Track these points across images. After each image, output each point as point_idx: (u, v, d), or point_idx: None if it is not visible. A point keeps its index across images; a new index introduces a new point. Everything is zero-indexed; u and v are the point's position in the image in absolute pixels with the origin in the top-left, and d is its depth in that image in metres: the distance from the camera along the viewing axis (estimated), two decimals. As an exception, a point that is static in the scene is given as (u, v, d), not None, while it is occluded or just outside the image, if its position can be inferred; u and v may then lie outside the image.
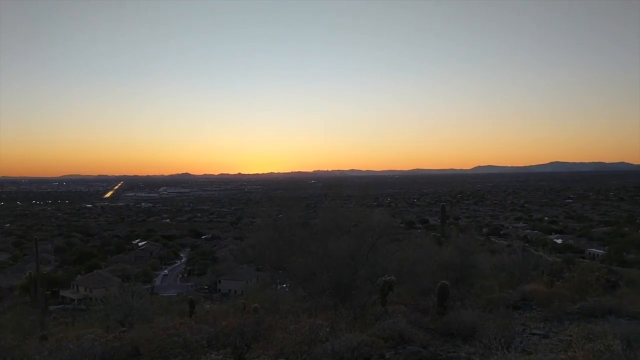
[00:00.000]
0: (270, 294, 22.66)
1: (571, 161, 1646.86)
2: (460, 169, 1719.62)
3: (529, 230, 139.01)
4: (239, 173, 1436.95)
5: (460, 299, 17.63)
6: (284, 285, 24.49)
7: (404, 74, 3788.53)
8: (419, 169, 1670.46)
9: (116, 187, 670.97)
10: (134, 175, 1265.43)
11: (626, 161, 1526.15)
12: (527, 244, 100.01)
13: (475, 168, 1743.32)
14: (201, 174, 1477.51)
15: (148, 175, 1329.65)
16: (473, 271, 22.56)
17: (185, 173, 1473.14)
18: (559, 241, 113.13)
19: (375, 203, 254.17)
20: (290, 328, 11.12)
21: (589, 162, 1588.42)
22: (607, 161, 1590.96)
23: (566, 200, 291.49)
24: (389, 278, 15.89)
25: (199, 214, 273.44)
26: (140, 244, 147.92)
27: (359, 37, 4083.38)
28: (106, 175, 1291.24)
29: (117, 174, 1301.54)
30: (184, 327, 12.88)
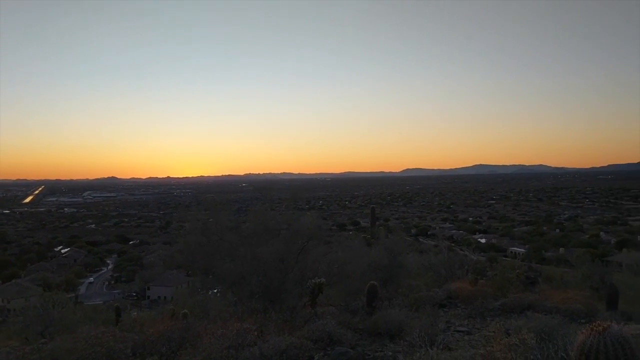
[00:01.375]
0: (200, 299, 22.24)
1: (494, 164, 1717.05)
2: (390, 172, 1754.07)
3: (454, 231, 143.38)
4: (168, 176, 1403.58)
5: (388, 299, 17.96)
6: (215, 290, 24.10)
7: (335, 76, 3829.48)
8: (350, 172, 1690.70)
9: (36, 192, 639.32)
10: (57, 180, 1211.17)
11: (545, 164, 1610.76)
12: (453, 244, 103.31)
13: (404, 171, 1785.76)
14: (129, 177, 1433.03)
15: (71, 179, 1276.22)
16: (401, 271, 23.07)
17: (112, 177, 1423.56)
18: (483, 241, 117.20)
19: (307, 206, 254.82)
20: (217, 333, 10.95)
21: (510, 165, 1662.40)
22: (527, 164, 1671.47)
23: (489, 201, 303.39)
24: (318, 280, 15.97)
25: (126, 219, 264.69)
26: (63, 250, 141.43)
27: (288, 37, 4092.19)
28: (26, 179, 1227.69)
29: (37, 178, 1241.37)
30: (108, 336, 12.41)
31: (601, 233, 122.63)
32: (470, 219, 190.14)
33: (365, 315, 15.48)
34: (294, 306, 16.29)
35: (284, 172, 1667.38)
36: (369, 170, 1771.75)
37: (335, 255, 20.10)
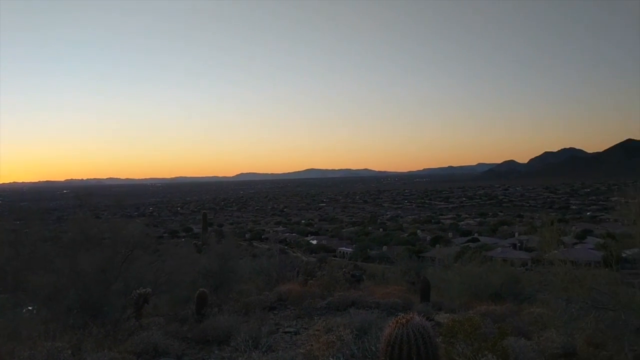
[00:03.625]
0: (9, 318, 20.00)
1: (324, 168, 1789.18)
2: (224, 177, 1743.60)
3: (288, 234, 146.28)
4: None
5: (218, 305, 17.73)
6: (30, 307, 21.87)
7: (167, 78, 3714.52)
8: (182, 177, 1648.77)
9: None
10: None
11: (369, 168, 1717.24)
12: (286, 247, 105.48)
13: (238, 175, 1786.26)
14: None
15: None
16: (232, 276, 22.92)
17: None
18: (314, 242, 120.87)
19: (136, 213, 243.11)
20: (24, 355, 9.90)
21: (339, 169, 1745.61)
22: (354, 168, 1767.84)
23: (320, 204, 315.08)
24: (143, 290, 15.25)
25: None
26: None
27: (110, 34, 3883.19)
28: None
29: None
30: None
31: (418, 231, 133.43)
32: (303, 221, 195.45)
33: (195, 323, 15.11)
34: (117, 319, 15.35)
35: (110, 178, 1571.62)
36: (202, 175, 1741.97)
37: (164, 264, 19.37)
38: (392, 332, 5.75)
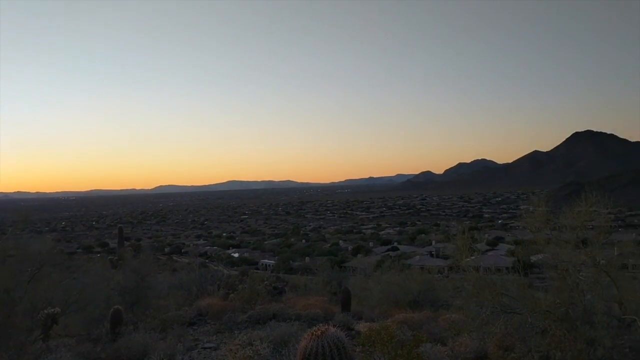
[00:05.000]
0: None
1: (246, 180, 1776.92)
2: (142, 189, 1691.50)
3: (209, 247, 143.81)
4: None
5: (134, 323, 17.07)
6: None
7: (80, 88, 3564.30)
8: (97, 190, 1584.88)
9: None
10: None
11: (292, 179, 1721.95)
12: (206, 260, 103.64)
13: (157, 188, 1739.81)
14: None
15: None
16: (149, 292, 22.18)
17: None
18: (236, 255, 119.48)
19: (47, 228, 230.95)
20: None
21: (261, 181, 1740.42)
22: (276, 179, 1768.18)
23: (242, 216, 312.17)
24: (52, 310, 14.44)
25: None
26: None
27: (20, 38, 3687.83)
28: None
29: None
30: None
31: (340, 241, 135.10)
32: (224, 234, 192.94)
33: (108, 343, 14.47)
34: (23, 342, 14.43)
35: (17, 192, 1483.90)
36: (118, 188, 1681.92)
37: (75, 281, 18.46)
38: (307, 345, 5.75)
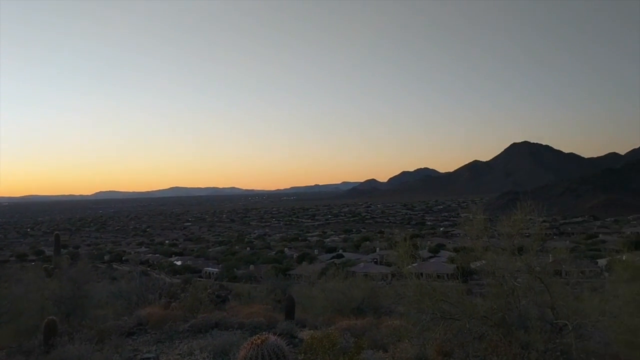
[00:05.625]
0: None
1: (189, 186, 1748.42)
2: (81, 195, 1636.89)
3: (150, 255, 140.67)
4: None
5: (69, 334, 16.47)
6: None
7: (13, 92, 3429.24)
8: (33, 195, 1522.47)
9: None
10: None
11: (236, 186, 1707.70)
12: (148, 268, 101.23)
13: (97, 194, 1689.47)
14: None
15: None
16: (87, 301, 21.47)
17: None
18: (179, 263, 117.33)
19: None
20: None
21: (205, 188, 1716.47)
22: (220, 186, 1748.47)
23: (185, 224, 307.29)
24: (-20, 322, 13.76)
25: None
26: None
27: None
28: None
29: None
30: None
31: (285, 249, 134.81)
32: (167, 241, 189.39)
33: (41, 355, 13.90)
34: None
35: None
36: (56, 194, 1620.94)
37: (6, 291, 17.68)
38: (246, 354, 5.71)
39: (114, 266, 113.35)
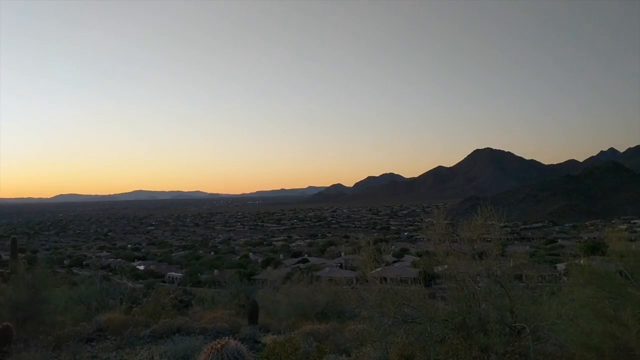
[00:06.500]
0: None
1: (153, 190, 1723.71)
2: (40, 198, 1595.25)
3: (112, 259, 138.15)
4: None
5: (25, 340, 16.03)
6: None
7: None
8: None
9: None
10: None
11: (201, 190, 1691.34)
12: (110, 273, 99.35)
13: (57, 197, 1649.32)
14: None
15: None
16: (44, 307, 20.91)
17: None
18: (142, 267, 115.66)
19: None
20: None
21: (169, 191, 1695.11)
22: (185, 190, 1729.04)
23: (148, 227, 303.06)
24: None
25: None
26: None
27: None
28: None
29: None
30: None
31: (250, 254, 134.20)
32: (129, 245, 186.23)
33: (-5, 363, 13.49)
34: None
35: None
36: (13, 196, 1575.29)
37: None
38: (206, 359, 5.66)
39: (74, 271, 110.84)
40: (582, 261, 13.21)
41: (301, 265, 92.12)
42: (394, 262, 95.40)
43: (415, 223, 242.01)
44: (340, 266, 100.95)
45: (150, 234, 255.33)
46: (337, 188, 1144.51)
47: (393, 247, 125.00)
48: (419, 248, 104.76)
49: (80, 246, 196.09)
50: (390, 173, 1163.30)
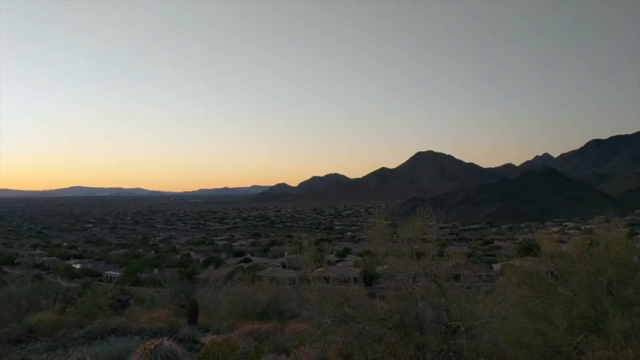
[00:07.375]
0: None
1: (91, 186, 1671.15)
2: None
3: (46, 257, 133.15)
4: None
5: (-53, 343, 15.26)
6: None
7: None
8: None
9: None
10: None
11: (142, 187, 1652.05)
12: (43, 272, 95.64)
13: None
14: None
15: None
16: (-30, 308, 19.99)
17: None
18: (78, 266, 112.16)
19: None
20: None
21: (108, 188, 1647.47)
22: (125, 187, 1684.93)
23: (86, 225, 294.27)
24: None
25: None
26: None
27: None
28: None
29: None
30: None
31: (192, 253, 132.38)
32: (65, 243, 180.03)
33: None
34: None
35: None
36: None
37: None
38: (139, 360, 5.54)
39: (5, 269, 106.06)
40: (515, 262, 13.72)
41: (244, 265, 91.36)
42: (337, 262, 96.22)
43: (359, 223, 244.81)
44: (283, 266, 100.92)
45: (88, 232, 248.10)
46: (282, 187, 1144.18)
47: (336, 247, 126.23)
48: (361, 248, 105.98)
49: (11, 244, 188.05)
50: (334, 173, 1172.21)
